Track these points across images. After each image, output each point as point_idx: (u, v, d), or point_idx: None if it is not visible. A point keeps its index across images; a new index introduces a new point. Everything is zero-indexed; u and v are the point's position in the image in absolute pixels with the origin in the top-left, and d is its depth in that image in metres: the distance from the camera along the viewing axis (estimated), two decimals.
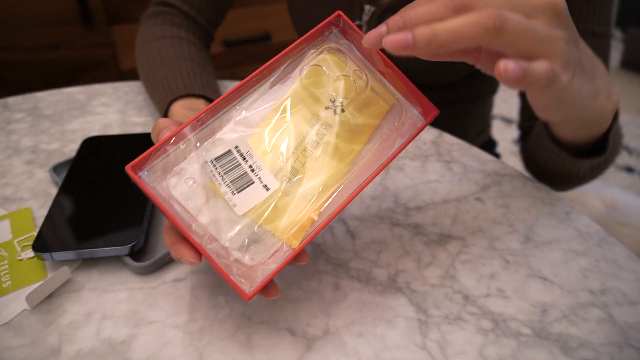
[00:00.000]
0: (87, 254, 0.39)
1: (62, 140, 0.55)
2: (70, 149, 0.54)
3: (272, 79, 0.35)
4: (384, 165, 0.34)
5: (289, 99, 0.34)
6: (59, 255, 0.38)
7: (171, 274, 0.40)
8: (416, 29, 0.27)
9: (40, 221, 0.44)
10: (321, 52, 0.36)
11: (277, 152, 0.33)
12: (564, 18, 0.29)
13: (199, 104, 0.50)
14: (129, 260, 0.39)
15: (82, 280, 0.39)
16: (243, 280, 0.30)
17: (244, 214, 0.31)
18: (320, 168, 0.33)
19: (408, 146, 0.37)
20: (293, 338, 0.35)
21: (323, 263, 0.41)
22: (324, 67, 0.35)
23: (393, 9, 0.56)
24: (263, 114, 0.33)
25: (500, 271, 0.41)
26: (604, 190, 0.81)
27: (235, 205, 0.31)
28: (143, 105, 0.62)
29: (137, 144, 0.51)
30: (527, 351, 0.35)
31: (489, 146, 0.84)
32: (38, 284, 0.38)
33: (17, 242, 0.42)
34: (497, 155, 0.85)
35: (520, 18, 0.27)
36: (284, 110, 0.34)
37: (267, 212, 0.32)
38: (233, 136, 0.33)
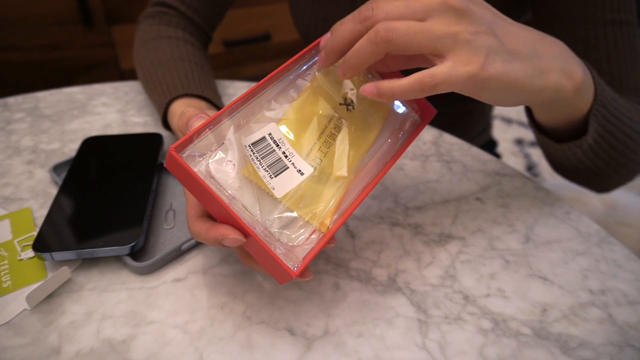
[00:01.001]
0: (87, 254, 0.39)
1: (62, 140, 0.55)
2: (70, 149, 0.54)
3: (293, 74, 0.36)
4: (395, 158, 0.37)
5: (309, 94, 0.36)
6: (59, 255, 0.38)
7: (171, 274, 0.40)
8: (343, 60, 0.34)
9: (40, 221, 0.44)
10: None
11: (303, 141, 0.34)
12: (463, 13, 0.32)
13: (200, 104, 0.50)
14: (129, 260, 0.39)
15: (82, 280, 0.39)
16: (287, 260, 0.31)
17: (279, 199, 0.32)
18: (341, 158, 0.35)
19: (408, 146, 0.39)
20: (293, 338, 0.35)
21: (323, 263, 0.41)
22: (336, 66, 0.37)
23: None
24: (287, 105, 0.35)
25: (500, 271, 0.41)
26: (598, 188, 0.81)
27: (274, 189, 0.32)
28: (143, 105, 0.62)
29: (137, 144, 0.51)
30: (527, 351, 0.35)
31: (489, 146, 0.84)
32: (38, 284, 0.38)
33: (17, 242, 0.42)
34: (497, 155, 0.85)
35: (408, 25, 0.31)
36: (306, 103, 0.35)
37: (300, 198, 0.33)
38: (265, 124, 0.34)
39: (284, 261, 0.31)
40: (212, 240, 0.32)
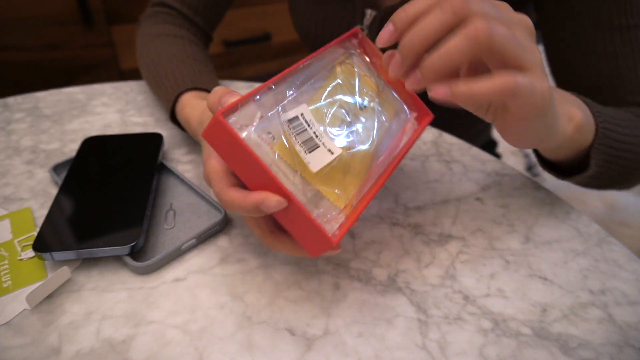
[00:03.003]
0: (87, 254, 0.39)
1: (62, 140, 0.55)
2: (70, 149, 0.54)
3: (313, 68, 0.38)
4: (399, 159, 0.39)
5: (331, 85, 0.37)
6: (59, 255, 0.38)
7: (171, 274, 0.40)
8: (423, 61, 0.30)
9: (40, 221, 0.44)
10: (350, 55, 0.40)
11: (327, 128, 0.35)
12: (533, 37, 0.32)
13: None
14: (129, 260, 0.39)
15: (82, 280, 0.39)
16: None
17: (310, 178, 0.33)
18: (358, 150, 0.37)
19: (409, 149, 0.40)
20: (293, 338, 0.35)
21: (323, 263, 0.41)
22: (354, 67, 0.39)
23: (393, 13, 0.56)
24: (312, 93, 0.36)
25: (500, 271, 0.41)
26: (604, 191, 0.81)
27: (309, 163, 0.33)
28: (143, 105, 0.62)
29: (137, 144, 0.51)
30: (527, 351, 0.35)
31: (490, 146, 0.84)
32: (38, 283, 0.38)
33: (17, 242, 0.42)
34: (497, 155, 0.85)
35: (504, 28, 0.29)
36: (329, 93, 0.37)
37: (327, 178, 0.34)
38: (297, 104, 0.35)
39: (324, 227, 0.31)
40: (249, 206, 0.31)
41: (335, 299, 0.38)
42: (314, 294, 0.38)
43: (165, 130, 0.56)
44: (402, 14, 0.31)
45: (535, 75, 0.30)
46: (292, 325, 0.36)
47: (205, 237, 0.42)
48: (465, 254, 0.42)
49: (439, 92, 0.30)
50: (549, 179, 1.48)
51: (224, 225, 0.44)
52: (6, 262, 0.40)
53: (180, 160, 0.52)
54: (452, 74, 0.34)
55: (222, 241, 0.43)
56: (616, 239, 0.44)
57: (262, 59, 1.63)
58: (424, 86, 0.31)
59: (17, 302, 0.37)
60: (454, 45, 0.29)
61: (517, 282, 0.40)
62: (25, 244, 0.42)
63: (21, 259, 0.40)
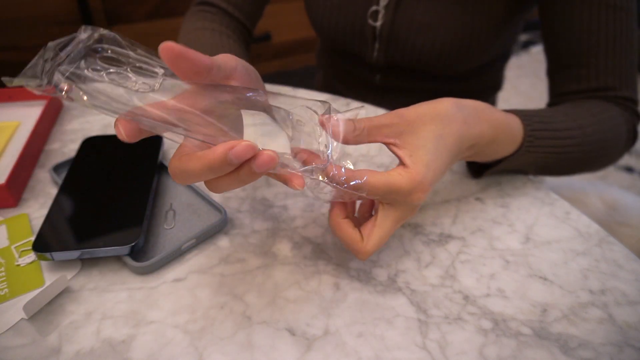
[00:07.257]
0: (87, 254, 0.39)
1: (62, 140, 0.55)
2: (70, 149, 0.54)
3: None
4: None
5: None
6: (58, 255, 0.38)
7: (171, 274, 0.40)
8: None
9: (37, 224, 0.44)
10: None
11: None
12: None
13: None
14: (129, 260, 0.39)
15: (82, 280, 0.39)
16: None
17: None
18: None
19: None
20: (293, 338, 0.35)
21: (323, 263, 0.41)
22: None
23: None
24: None
25: (500, 271, 0.41)
26: (604, 190, 0.81)
27: None
28: None
29: (137, 144, 0.51)
30: (527, 351, 0.35)
31: None
32: (36, 291, 0.38)
33: (15, 247, 0.42)
34: None
35: None
36: None
37: None
38: None
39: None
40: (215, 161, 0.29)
41: (335, 299, 0.38)
42: (314, 294, 0.38)
43: None
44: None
45: None
46: (292, 325, 0.36)
47: (205, 237, 0.42)
48: (465, 254, 0.42)
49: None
50: (549, 179, 1.48)
51: (224, 225, 0.44)
52: (3, 269, 0.40)
53: None
54: None
55: (222, 241, 0.43)
56: (616, 239, 0.44)
57: (262, 59, 1.63)
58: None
59: (14, 310, 0.37)
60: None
61: (517, 282, 0.40)
62: (23, 249, 0.41)
63: (18, 265, 0.40)
